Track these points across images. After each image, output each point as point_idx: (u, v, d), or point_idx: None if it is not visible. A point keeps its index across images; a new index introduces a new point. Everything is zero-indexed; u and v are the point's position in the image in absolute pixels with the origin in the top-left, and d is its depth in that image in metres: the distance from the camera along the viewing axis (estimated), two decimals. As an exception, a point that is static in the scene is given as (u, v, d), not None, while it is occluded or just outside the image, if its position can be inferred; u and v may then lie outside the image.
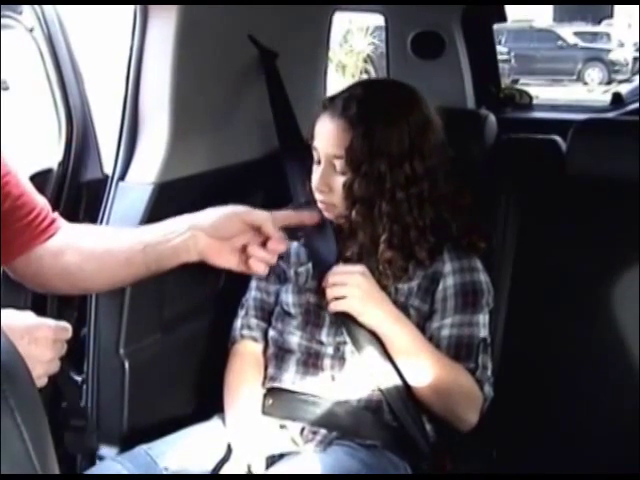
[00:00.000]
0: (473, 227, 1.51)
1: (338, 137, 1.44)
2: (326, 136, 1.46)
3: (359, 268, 1.43)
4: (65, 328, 1.04)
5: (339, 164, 1.45)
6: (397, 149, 1.42)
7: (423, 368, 1.42)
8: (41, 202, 1.39)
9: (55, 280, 1.40)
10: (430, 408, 1.44)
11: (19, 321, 1.00)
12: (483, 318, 1.47)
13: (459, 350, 1.44)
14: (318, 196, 1.49)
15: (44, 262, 1.37)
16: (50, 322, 1.03)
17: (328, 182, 1.46)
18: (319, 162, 1.48)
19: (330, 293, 1.42)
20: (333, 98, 1.50)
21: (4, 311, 1.00)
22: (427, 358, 1.42)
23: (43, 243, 1.36)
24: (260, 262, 1.39)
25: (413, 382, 1.43)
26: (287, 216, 1.48)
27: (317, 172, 1.48)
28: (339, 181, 1.45)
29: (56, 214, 1.42)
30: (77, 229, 1.45)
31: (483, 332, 1.47)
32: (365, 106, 1.44)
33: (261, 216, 1.40)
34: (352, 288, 1.41)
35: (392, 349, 1.43)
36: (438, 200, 1.47)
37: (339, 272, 1.44)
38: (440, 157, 1.47)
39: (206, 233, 1.38)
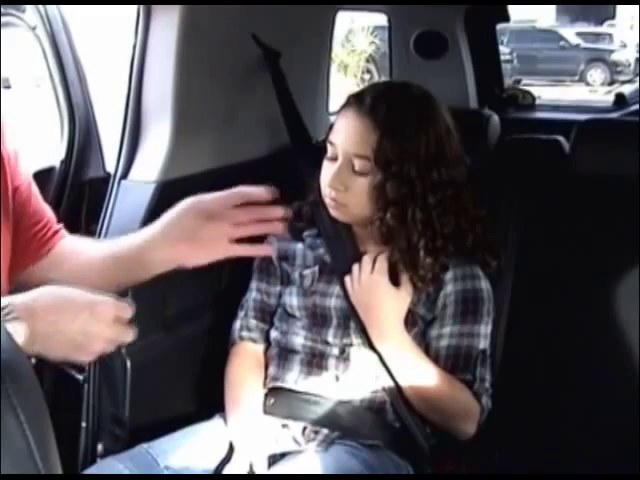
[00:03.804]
0: (488, 242, 1.49)
1: (364, 136, 1.40)
2: (349, 133, 1.42)
3: (380, 273, 1.42)
4: (125, 307, 1.05)
5: (359, 164, 1.41)
6: (425, 153, 1.40)
7: (418, 383, 1.41)
8: (49, 212, 1.35)
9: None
10: (427, 419, 1.44)
11: (82, 296, 1.03)
12: (484, 329, 1.45)
13: (457, 361, 1.42)
14: (330, 193, 1.44)
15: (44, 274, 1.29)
16: (111, 300, 1.05)
17: (344, 180, 1.42)
18: (334, 159, 1.44)
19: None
20: (359, 95, 1.46)
21: (67, 288, 1.03)
22: (421, 374, 1.41)
23: (45, 256, 1.30)
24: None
25: (409, 395, 1.42)
26: (236, 195, 1.30)
27: (331, 168, 1.43)
28: (357, 181, 1.41)
29: (60, 225, 1.37)
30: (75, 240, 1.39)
31: (483, 343, 1.44)
32: (395, 106, 1.41)
33: (211, 201, 1.29)
34: (357, 279, 1.43)
35: (386, 360, 1.42)
36: (459, 209, 1.46)
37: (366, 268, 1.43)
38: (460, 167, 1.47)
39: (163, 243, 1.28)
